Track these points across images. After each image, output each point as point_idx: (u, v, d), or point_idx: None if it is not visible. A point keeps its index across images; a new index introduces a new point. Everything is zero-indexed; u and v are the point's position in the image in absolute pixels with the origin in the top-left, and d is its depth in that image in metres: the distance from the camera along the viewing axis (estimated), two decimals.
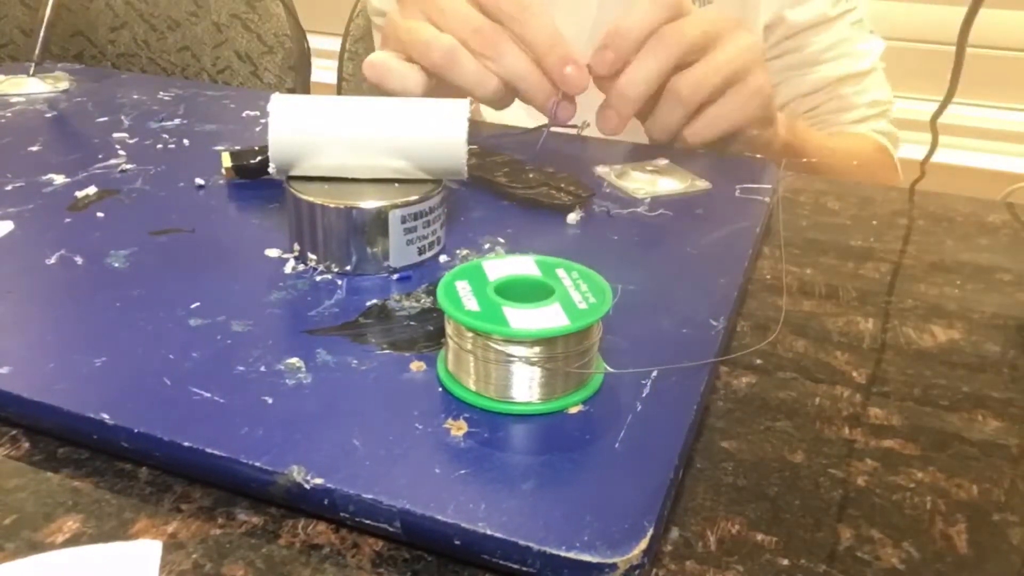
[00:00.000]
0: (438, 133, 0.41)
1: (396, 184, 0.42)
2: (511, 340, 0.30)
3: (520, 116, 0.66)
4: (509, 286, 0.33)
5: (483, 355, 0.31)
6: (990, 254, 0.49)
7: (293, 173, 0.42)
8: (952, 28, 0.61)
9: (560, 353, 0.30)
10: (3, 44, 1.13)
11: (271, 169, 0.41)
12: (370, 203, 0.40)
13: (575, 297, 0.32)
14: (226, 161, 0.50)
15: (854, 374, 0.37)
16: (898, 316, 0.42)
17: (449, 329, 0.32)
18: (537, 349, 0.30)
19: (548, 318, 0.30)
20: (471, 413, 0.30)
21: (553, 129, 0.56)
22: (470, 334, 0.31)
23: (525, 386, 0.31)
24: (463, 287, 0.32)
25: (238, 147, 0.52)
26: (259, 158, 0.50)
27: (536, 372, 0.30)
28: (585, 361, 0.31)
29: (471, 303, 0.31)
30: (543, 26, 0.53)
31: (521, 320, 0.30)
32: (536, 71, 0.54)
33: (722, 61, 0.56)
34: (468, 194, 0.50)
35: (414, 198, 0.41)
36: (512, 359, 0.30)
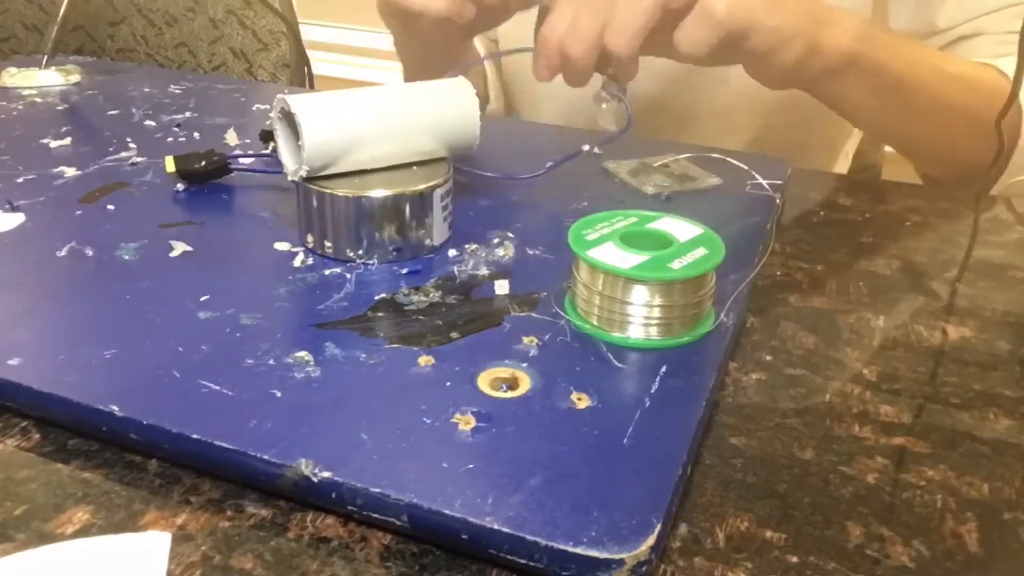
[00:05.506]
0: (457, 110, 0.44)
1: (399, 170, 0.43)
2: (634, 281, 0.34)
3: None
4: (633, 236, 0.37)
5: (609, 295, 0.35)
6: (1003, 251, 0.49)
7: (327, 172, 0.41)
8: None
9: (678, 296, 0.34)
10: (5, 38, 1.13)
11: (303, 173, 0.40)
12: (414, 186, 0.41)
13: (691, 249, 0.36)
14: (169, 166, 0.49)
15: (864, 371, 0.37)
16: (909, 313, 0.42)
17: (581, 271, 0.36)
18: (657, 291, 0.34)
19: (667, 265, 0.34)
20: (479, 407, 0.30)
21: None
22: (600, 275, 0.35)
23: (641, 325, 0.35)
24: (591, 234, 0.37)
25: (184, 153, 0.51)
26: (203, 162, 0.50)
27: (655, 313, 0.34)
28: (698, 306, 0.35)
29: (601, 250, 0.35)
30: None
31: (644, 266, 0.34)
32: None
33: None
34: (475, 187, 0.50)
35: (442, 178, 0.42)
36: (632, 302, 0.34)
